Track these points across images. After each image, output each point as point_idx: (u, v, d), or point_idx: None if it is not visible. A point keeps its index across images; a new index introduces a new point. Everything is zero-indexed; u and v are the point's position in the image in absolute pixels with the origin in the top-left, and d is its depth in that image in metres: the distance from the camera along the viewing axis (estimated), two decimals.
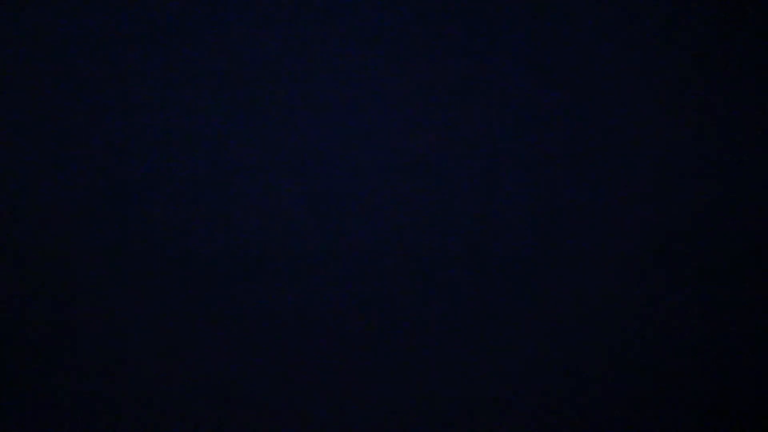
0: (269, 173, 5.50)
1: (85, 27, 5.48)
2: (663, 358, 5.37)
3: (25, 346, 5.35)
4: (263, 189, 5.49)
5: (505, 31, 5.49)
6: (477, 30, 5.50)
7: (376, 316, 5.45)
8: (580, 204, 5.44)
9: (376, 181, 5.49)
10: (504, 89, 5.50)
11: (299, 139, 5.52)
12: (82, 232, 5.43)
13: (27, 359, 5.34)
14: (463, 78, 5.51)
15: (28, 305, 5.37)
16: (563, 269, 5.43)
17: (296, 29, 5.55)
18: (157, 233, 5.43)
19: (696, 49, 5.46)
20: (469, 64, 5.50)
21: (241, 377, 5.41)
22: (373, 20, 5.52)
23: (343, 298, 5.45)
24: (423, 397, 5.39)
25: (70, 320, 5.37)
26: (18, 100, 5.46)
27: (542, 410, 5.37)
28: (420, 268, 5.47)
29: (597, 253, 5.42)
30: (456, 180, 5.48)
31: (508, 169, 5.48)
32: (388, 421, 5.39)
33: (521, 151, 5.48)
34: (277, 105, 5.53)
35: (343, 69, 5.53)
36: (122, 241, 5.43)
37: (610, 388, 5.35)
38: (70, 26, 5.48)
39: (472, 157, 5.49)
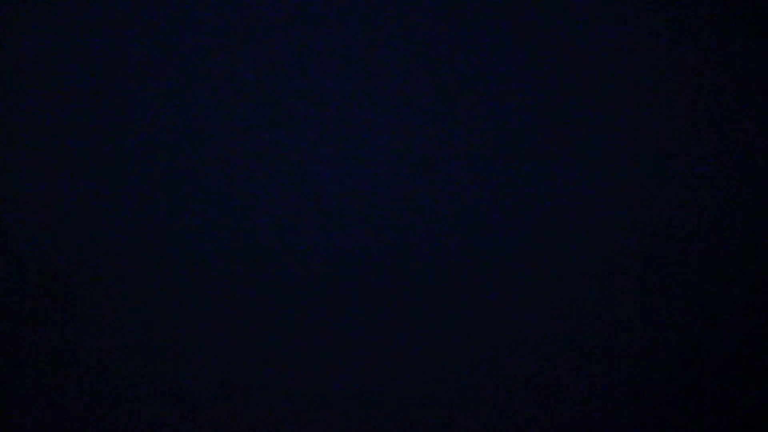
0: (270, 173, 5.50)
1: (86, 27, 5.48)
2: (658, 356, 5.37)
3: (25, 346, 5.35)
4: (264, 189, 5.49)
5: (504, 31, 5.48)
6: (476, 30, 5.49)
7: (376, 315, 5.46)
8: (577, 203, 5.44)
9: (376, 180, 5.50)
10: (501, 90, 5.49)
11: (300, 139, 5.53)
12: (83, 232, 5.43)
13: (27, 359, 5.34)
14: (461, 79, 5.51)
15: (29, 306, 5.37)
16: (560, 268, 5.43)
17: (297, 30, 5.54)
18: (158, 233, 5.44)
19: (696, 50, 5.46)
20: (467, 65, 5.50)
21: (242, 376, 5.41)
22: (373, 21, 5.52)
23: (343, 296, 5.45)
24: (422, 394, 5.40)
25: (70, 320, 5.37)
26: (18, 100, 5.46)
27: (538, 408, 5.38)
28: (419, 267, 5.47)
29: (594, 253, 5.42)
30: (455, 180, 5.48)
31: (507, 168, 5.48)
32: (388, 419, 5.39)
33: (519, 151, 5.48)
34: (278, 106, 5.53)
35: (344, 70, 5.53)
36: (123, 241, 5.44)
37: (605, 386, 5.35)
38: (71, 26, 5.48)
39: (470, 157, 5.49)
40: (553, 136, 5.47)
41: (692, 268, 5.39)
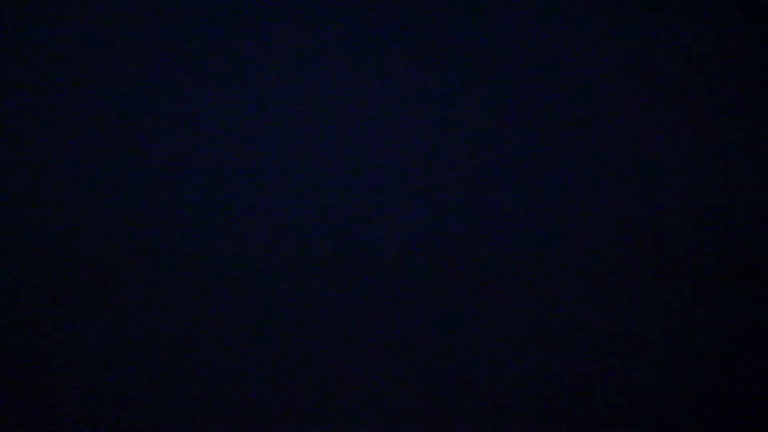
0: (271, 175, 5.50)
1: (86, 28, 5.48)
2: (661, 358, 5.37)
3: (24, 346, 5.35)
4: (264, 190, 5.49)
5: (505, 32, 5.48)
6: (476, 30, 5.50)
7: (376, 316, 5.45)
8: (580, 204, 5.44)
9: (377, 182, 5.49)
10: (504, 91, 5.49)
11: (301, 141, 5.52)
12: (82, 233, 5.42)
13: (27, 359, 5.33)
14: (463, 80, 5.51)
15: (28, 305, 5.36)
16: (563, 269, 5.42)
17: (298, 31, 5.54)
18: (159, 234, 5.43)
19: (697, 50, 5.46)
20: (469, 65, 5.50)
21: (242, 377, 5.41)
22: (373, 21, 5.52)
23: (343, 298, 5.44)
24: (423, 396, 5.39)
25: (69, 320, 5.37)
26: (19, 101, 5.46)
27: (542, 410, 5.37)
28: (420, 269, 5.46)
29: (597, 254, 5.42)
30: (456, 181, 5.48)
31: (509, 169, 5.48)
32: (387, 420, 5.38)
33: (522, 153, 5.48)
34: (279, 107, 5.53)
35: (346, 71, 5.53)
36: (124, 242, 5.43)
37: (608, 387, 5.35)
38: (71, 27, 5.47)
39: (472, 158, 5.49)
40: (553, 136, 5.47)
41: (696, 270, 5.39)
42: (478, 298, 5.44)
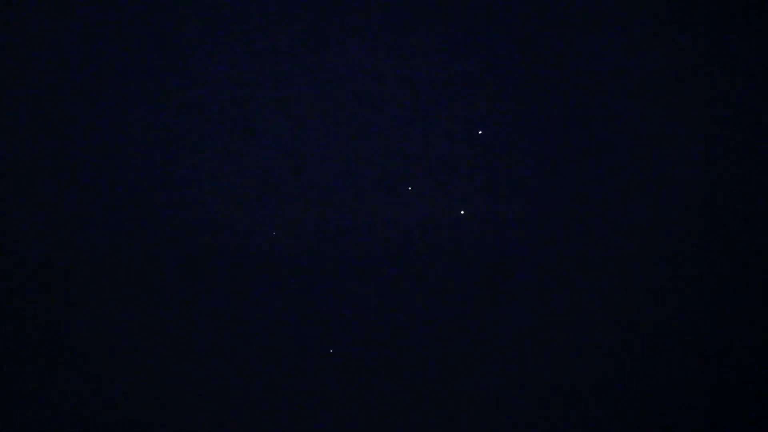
0: (268, 173, 5.50)
1: (86, 27, 5.49)
2: (663, 359, 5.37)
3: (24, 347, 5.35)
4: (261, 190, 5.49)
5: (506, 31, 5.49)
6: (478, 30, 5.50)
7: (376, 316, 5.45)
8: (580, 204, 5.44)
9: (378, 181, 5.50)
10: (506, 90, 5.50)
11: (299, 140, 5.53)
12: (81, 232, 5.43)
13: (27, 359, 5.34)
14: (464, 78, 5.51)
15: (28, 305, 5.37)
16: (563, 269, 5.42)
17: (296, 30, 5.55)
18: (157, 233, 5.43)
19: (697, 49, 5.46)
20: (471, 64, 5.50)
21: (240, 377, 5.41)
22: (372, 20, 5.52)
23: (342, 298, 5.45)
24: (423, 396, 5.39)
25: (68, 320, 5.37)
26: (18, 101, 5.46)
27: (544, 409, 5.37)
28: (420, 269, 5.47)
29: (598, 254, 5.42)
30: (457, 180, 5.48)
31: (510, 169, 5.48)
32: (386, 421, 5.38)
33: (523, 152, 5.48)
34: (277, 105, 5.53)
35: (344, 70, 5.53)
36: (122, 240, 5.43)
37: (610, 387, 5.35)
38: (71, 26, 5.48)
39: (474, 157, 5.50)
40: (557, 137, 5.47)
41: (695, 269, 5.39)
42: (479, 297, 5.44)
